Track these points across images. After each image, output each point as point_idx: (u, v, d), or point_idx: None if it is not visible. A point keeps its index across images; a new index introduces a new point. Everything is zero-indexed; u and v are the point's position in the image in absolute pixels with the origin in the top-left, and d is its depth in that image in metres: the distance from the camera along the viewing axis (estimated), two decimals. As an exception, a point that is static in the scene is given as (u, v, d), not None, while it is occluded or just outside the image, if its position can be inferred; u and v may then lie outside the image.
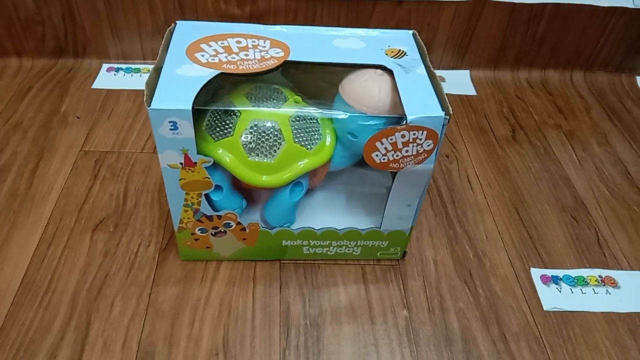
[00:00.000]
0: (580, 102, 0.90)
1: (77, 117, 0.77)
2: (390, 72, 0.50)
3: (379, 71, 0.51)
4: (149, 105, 0.43)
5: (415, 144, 0.47)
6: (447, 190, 0.70)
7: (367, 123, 0.49)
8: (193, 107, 0.43)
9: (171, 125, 0.44)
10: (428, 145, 0.47)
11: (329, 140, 0.53)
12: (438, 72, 0.46)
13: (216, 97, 0.51)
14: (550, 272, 0.61)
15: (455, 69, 0.94)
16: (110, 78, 0.85)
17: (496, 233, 0.65)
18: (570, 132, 0.83)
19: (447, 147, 0.77)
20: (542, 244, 0.64)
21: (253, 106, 0.50)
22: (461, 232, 0.64)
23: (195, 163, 0.47)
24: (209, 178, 0.49)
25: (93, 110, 0.78)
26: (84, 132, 0.74)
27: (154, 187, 0.66)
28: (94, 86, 0.83)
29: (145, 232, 0.61)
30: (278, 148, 0.49)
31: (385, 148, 0.47)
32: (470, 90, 0.90)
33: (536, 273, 0.60)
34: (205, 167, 0.48)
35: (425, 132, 0.46)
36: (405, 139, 0.46)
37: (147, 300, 0.54)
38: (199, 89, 0.45)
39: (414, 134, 0.46)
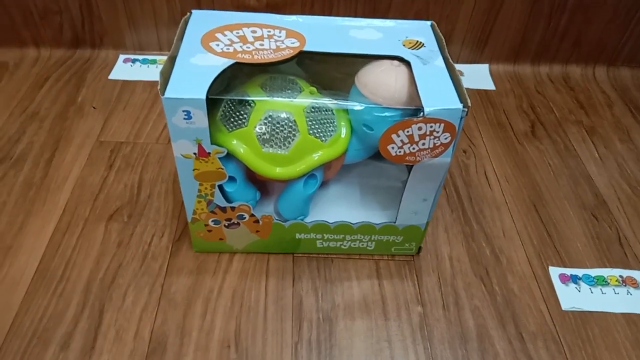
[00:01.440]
0: (603, 97, 0.88)
1: (94, 108, 0.77)
2: (407, 64, 0.49)
3: (396, 62, 0.50)
4: (163, 94, 0.43)
5: (432, 137, 0.46)
6: (464, 186, 0.69)
7: (383, 114, 0.48)
8: (207, 97, 0.43)
9: (185, 115, 0.44)
10: (445, 138, 0.46)
11: (344, 132, 0.52)
12: (456, 66, 0.45)
13: (230, 88, 0.50)
14: (569, 271, 0.59)
15: (474, 62, 0.92)
16: (126, 69, 0.85)
17: (514, 230, 0.63)
18: (592, 129, 0.81)
19: (464, 142, 0.76)
20: (561, 242, 0.62)
21: (267, 97, 0.49)
22: (478, 228, 0.63)
23: (209, 153, 0.47)
24: (222, 169, 0.48)
25: (109, 101, 0.78)
26: (99, 123, 0.74)
27: (168, 178, 0.66)
28: (110, 77, 0.83)
29: (159, 223, 0.61)
30: (292, 139, 0.49)
31: (402, 140, 0.46)
32: (489, 85, 0.88)
33: (555, 272, 0.59)
34: (219, 158, 0.47)
35: (442, 125, 0.45)
36: (422, 132, 0.45)
37: (160, 291, 0.54)
38: (213, 78, 0.44)
39: (431, 127, 0.45)
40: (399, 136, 0.45)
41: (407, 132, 0.45)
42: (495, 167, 0.72)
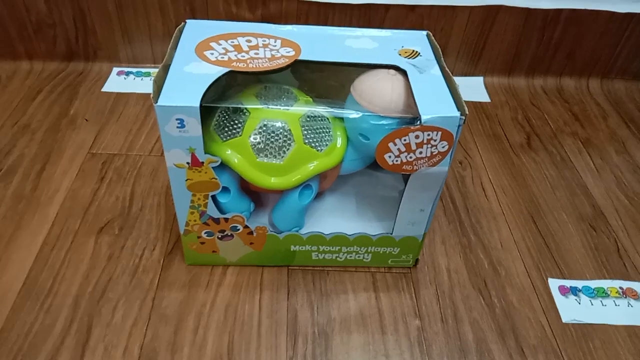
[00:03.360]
0: (597, 109, 0.88)
1: (86, 120, 0.76)
2: (403, 73, 0.49)
3: (392, 71, 0.49)
4: (156, 102, 0.42)
5: (429, 145, 0.45)
6: (460, 197, 0.68)
7: (380, 123, 0.47)
8: (201, 105, 0.42)
9: (178, 123, 0.43)
10: (443, 147, 0.45)
11: (340, 142, 0.52)
12: (451, 78, 0.45)
13: (225, 97, 0.50)
14: (568, 283, 0.58)
15: (469, 75, 0.92)
16: (120, 81, 0.84)
17: (512, 242, 0.62)
18: (587, 140, 0.81)
19: (460, 154, 0.75)
20: (559, 253, 0.62)
21: (262, 105, 0.48)
22: (475, 240, 0.62)
23: (202, 163, 0.46)
24: (216, 179, 0.47)
25: (102, 113, 0.78)
26: (92, 135, 0.73)
27: (160, 190, 0.65)
28: (103, 89, 0.82)
29: (150, 236, 0.59)
30: (287, 149, 0.48)
31: (399, 149, 0.45)
32: (484, 97, 0.88)
33: (554, 284, 0.58)
34: (212, 168, 0.46)
35: (440, 133, 0.44)
36: (419, 140, 0.44)
37: (151, 305, 0.52)
38: (207, 86, 0.44)
39: (429, 135, 0.44)
40: (395, 145, 0.45)
41: (404, 140, 0.44)
42: (491, 178, 0.71)
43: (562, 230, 0.65)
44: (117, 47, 0.86)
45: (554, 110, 0.87)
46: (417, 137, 0.44)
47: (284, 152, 0.48)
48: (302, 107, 0.49)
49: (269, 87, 0.51)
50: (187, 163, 0.46)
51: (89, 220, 0.60)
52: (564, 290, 0.57)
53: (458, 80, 0.90)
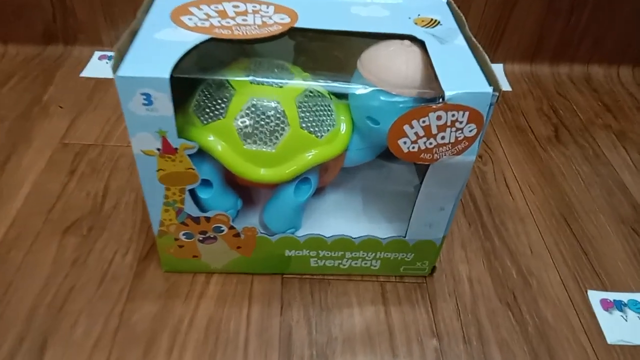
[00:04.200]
0: (631, 100, 0.79)
1: (60, 107, 0.68)
2: (420, 45, 0.40)
3: (407, 42, 0.41)
4: (116, 72, 0.34)
5: (453, 129, 0.37)
6: (481, 195, 0.60)
7: (392, 101, 0.39)
8: (172, 77, 0.34)
9: (144, 99, 0.35)
10: (470, 131, 0.37)
11: (344, 127, 0.43)
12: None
13: (206, 73, 0.41)
14: (612, 296, 0.50)
15: (486, 62, 0.84)
16: (101, 66, 0.76)
17: (543, 247, 0.54)
18: (622, 133, 0.72)
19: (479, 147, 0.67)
20: (599, 261, 0.53)
21: (251, 80, 0.40)
22: (500, 244, 0.54)
23: (176, 149, 0.38)
24: (193, 169, 0.39)
25: (78, 101, 0.69)
26: (65, 124, 0.65)
27: (139, 186, 0.57)
28: (82, 74, 0.74)
29: (123, 238, 0.51)
30: (281, 134, 0.40)
31: (416, 133, 0.37)
32: (505, 86, 0.79)
33: (595, 296, 0.50)
34: (189, 156, 0.38)
35: (467, 114, 0.36)
36: (442, 122, 0.36)
37: (118, 320, 0.44)
38: (181, 55, 0.35)
39: (453, 115, 0.36)
40: (412, 128, 0.36)
41: (423, 122, 0.36)
42: (516, 175, 0.63)
43: (601, 234, 0.56)
44: (99, 30, 0.79)
45: (582, 100, 0.78)
46: (439, 118, 0.36)
47: (277, 137, 0.40)
48: (299, 83, 0.41)
49: (259, 62, 0.43)
50: (158, 149, 0.38)
51: (54, 219, 0.52)
52: (607, 305, 0.49)
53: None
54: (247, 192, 0.48)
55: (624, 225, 0.57)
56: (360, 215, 0.49)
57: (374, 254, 0.47)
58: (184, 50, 0.36)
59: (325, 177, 0.46)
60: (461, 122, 0.36)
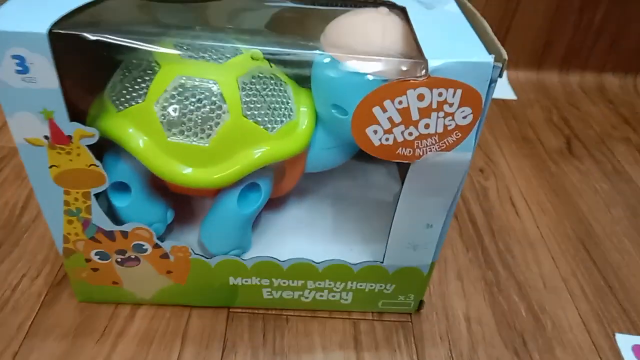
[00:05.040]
0: (652, 112, 0.70)
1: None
2: (401, 12, 0.31)
3: (384, 9, 0.32)
4: (-25, 26, 0.25)
5: (441, 114, 0.27)
6: (482, 215, 0.50)
7: (364, 80, 0.29)
8: (53, 31, 0.25)
9: (17, 64, 0.25)
10: (464, 117, 0.27)
11: (304, 120, 0.34)
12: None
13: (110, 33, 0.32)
14: (647, 342, 0.39)
15: (488, 69, 0.75)
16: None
17: (558, 278, 0.44)
18: (644, 147, 0.62)
19: (480, 159, 0.57)
20: (627, 296, 0.43)
21: (182, 55, 0.31)
22: (506, 275, 0.44)
23: (70, 137, 0.28)
24: (96, 166, 0.30)
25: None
26: (-3, 124, 0.56)
27: (69, 196, 0.47)
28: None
29: (37, 257, 0.41)
30: (217, 123, 0.30)
31: (390, 119, 0.27)
32: (509, 94, 0.71)
33: (625, 342, 0.39)
34: (88, 147, 0.29)
35: (459, 92, 0.26)
36: (425, 104, 0.27)
37: (6, 365, 0.34)
38: (73, 7, 0.26)
39: (440, 95, 0.26)
40: (385, 111, 0.27)
41: (400, 103, 0.26)
42: (523, 191, 0.53)
43: (627, 263, 0.46)
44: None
45: (596, 111, 0.69)
46: (420, 97, 0.26)
47: (211, 128, 0.30)
48: (241, 60, 0.31)
49: (198, 35, 0.34)
50: (46, 137, 0.28)
51: (-45, 234, 0.43)
52: (641, 354, 0.38)
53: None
54: (184, 201, 0.39)
55: (656, 253, 0.47)
56: (328, 234, 0.39)
57: (343, 284, 0.37)
58: (78, 3, 0.27)
59: (282, 185, 0.36)
60: (451, 105, 0.27)
